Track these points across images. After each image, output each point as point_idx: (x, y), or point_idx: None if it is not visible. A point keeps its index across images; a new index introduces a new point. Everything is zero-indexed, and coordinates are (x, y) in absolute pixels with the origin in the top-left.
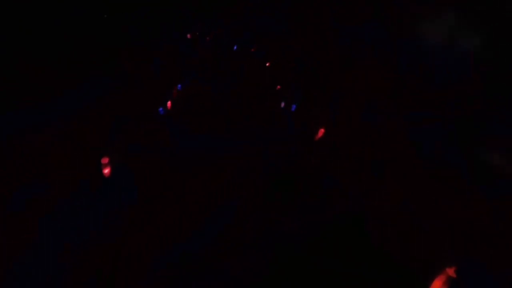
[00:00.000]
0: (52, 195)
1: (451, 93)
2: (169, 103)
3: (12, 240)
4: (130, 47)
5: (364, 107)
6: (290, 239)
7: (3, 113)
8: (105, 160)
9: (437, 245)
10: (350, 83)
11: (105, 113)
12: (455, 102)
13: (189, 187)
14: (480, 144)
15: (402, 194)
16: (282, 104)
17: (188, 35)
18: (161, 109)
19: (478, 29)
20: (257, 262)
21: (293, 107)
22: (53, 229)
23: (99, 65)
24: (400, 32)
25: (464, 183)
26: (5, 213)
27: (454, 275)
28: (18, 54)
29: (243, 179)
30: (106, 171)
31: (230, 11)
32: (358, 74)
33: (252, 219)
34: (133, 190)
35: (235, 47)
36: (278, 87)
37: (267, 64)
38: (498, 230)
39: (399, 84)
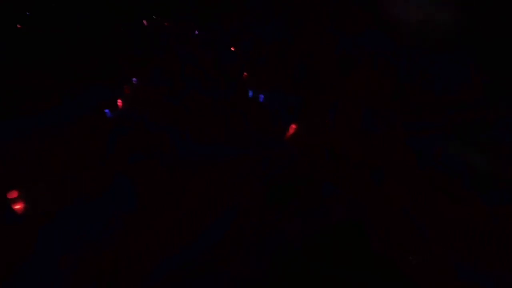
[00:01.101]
0: (51, 206)
1: (451, 100)
2: (119, 101)
3: (11, 247)
4: (130, 54)
5: (364, 114)
6: (290, 245)
7: (2, 120)
8: (12, 195)
9: (437, 251)
10: (350, 89)
11: (105, 120)
12: (455, 109)
13: (189, 193)
14: (480, 151)
15: (402, 200)
16: (250, 93)
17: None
18: (107, 110)
19: (478, 36)
20: (256, 267)
21: (261, 97)
22: (53, 236)
23: (99, 72)
24: (400, 39)
25: (464, 190)
26: (5, 220)
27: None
28: (17, 60)
29: (243, 186)
30: (18, 206)
31: (229, 18)
32: (358, 81)
33: (252, 224)
34: (133, 197)
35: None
36: (245, 74)
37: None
38: (498, 236)
39: (399, 91)
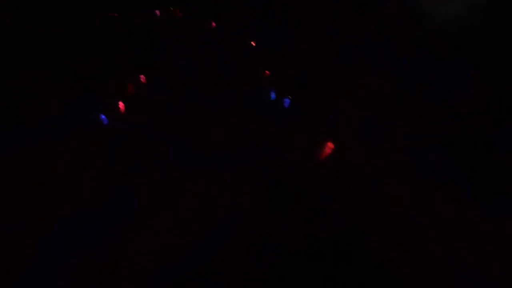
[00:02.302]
0: (51, 211)
1: (452, 109)
2: (121, 104)
3: (11, 256)
4: (129, 62)
5: (364, 121)
6: (290, 245)
7: (2, 128)
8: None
9: (438, 259)
10: (350, 96)
11: (105, 128)
12: (456, 118)
13: (189, 193)
14: (481, 160)
15: (402, 200)
16: (273, 96)
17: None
18: (103, 116)
19: (479, 44)
20: (256, 267)
21: (287, 101)
22: (53, 237)
23: (98, 81)
24: (401, 47)
25: (465, 199)
26: (4, 229)
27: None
28: (17, 60)
29: (243, 186)
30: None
31: (229, 22)
32: (358, 89)
33: (252, 224)
34: (133, 198)
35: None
36: (267, 72)
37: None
38: (498, 236)
39: (399, 99)
